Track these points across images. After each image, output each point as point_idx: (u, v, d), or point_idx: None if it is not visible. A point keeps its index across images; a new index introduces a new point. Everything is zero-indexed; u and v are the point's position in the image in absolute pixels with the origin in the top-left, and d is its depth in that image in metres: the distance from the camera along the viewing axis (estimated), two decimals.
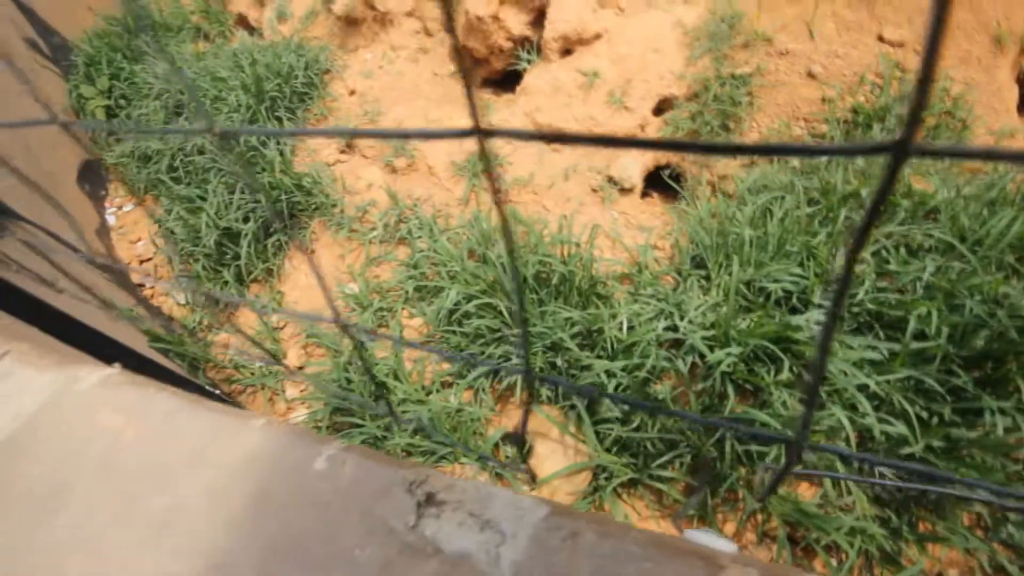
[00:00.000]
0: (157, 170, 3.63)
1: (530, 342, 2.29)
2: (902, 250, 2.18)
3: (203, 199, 3.28)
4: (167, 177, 3.54)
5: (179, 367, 2.75)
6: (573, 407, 2.09)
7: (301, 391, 2.83)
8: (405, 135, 0.29)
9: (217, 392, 2.63)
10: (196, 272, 3.21)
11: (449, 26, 0.24)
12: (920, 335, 1.94)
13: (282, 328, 3.11)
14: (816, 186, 2.38)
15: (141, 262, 3.67)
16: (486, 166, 0.28)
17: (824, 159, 2.50)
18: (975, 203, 2.16)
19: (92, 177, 4.28)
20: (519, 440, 2.09)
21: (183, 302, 3.29)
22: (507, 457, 2.19)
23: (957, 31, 2.80)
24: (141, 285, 3.55)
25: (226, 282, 3.19)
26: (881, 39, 2.76)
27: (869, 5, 2.86)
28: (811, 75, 2.77)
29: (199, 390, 2.01)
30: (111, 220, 4.11)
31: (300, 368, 2.94)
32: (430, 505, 0.34)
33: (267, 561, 0.33)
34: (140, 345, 2.59)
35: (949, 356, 1.91)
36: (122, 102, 4.40)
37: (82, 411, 0.45)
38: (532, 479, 1.76)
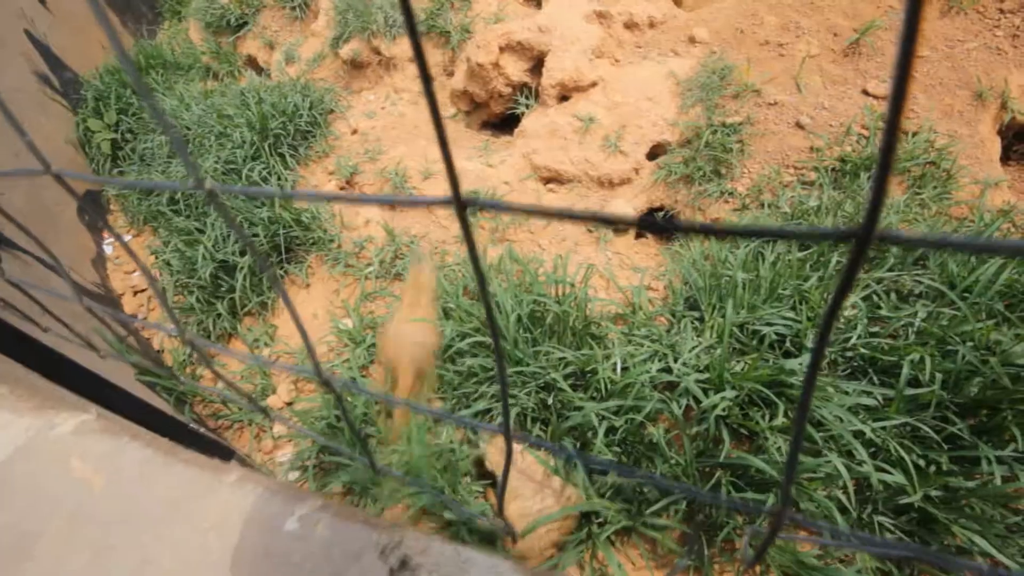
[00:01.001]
0: (158, 202, 3.67)
1: (524, 381, 2.27)
2: (893, 296, 2.20)
3: (201, 231, 3.31)
4: (167, 209, 3.57)
5: (165, 402, 2.70)
6: (563, 449, 2.05)
7: (289, 427, 2.77)
8: (386, 201, 0.30)
9: (202, 430, 2.58)
10: (190, 304, 3.20)
11: (424, 75, 0.25)
12: (914, 381, 1.93)
13: (274, 361, 3.07)
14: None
15: (136, 292, 3.66)
16: (466, 234, 0.28)
17: (814, 204, 2.56)
18: (963, 251, 2.19)
19: (92, 208, 4.31)
20: (500, 500, 2.04)
21: (175, 334, 3.26)
22: (491, 507, 2.13)
23: (940, 87, 2.92)
24: (133, 316, 3.52)
25: (219, 314, 3.18)
26: (866, 92, 2.87)
27: (853, 61, 2.99)
28: (799, 125, 2.86)
29: (183, 427, 1.97)
30: (108, 250, 4.12)
31: (289, 404, 2.89)
32: (404, 570, 0.33)
33: None
34: (127, 377, 2.55)
35: (944, 403, 1.89)
36: (128, 136, 4.49)
37: (55, 459, 0.44)
38: (513, 538, 1.71)
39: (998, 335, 1.97)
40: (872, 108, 2.78)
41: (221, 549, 0.35)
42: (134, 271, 3.93)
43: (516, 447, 2.22)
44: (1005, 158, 3.15)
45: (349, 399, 2.59)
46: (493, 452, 2.21)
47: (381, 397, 0.42)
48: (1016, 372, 1.85)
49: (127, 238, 4.23)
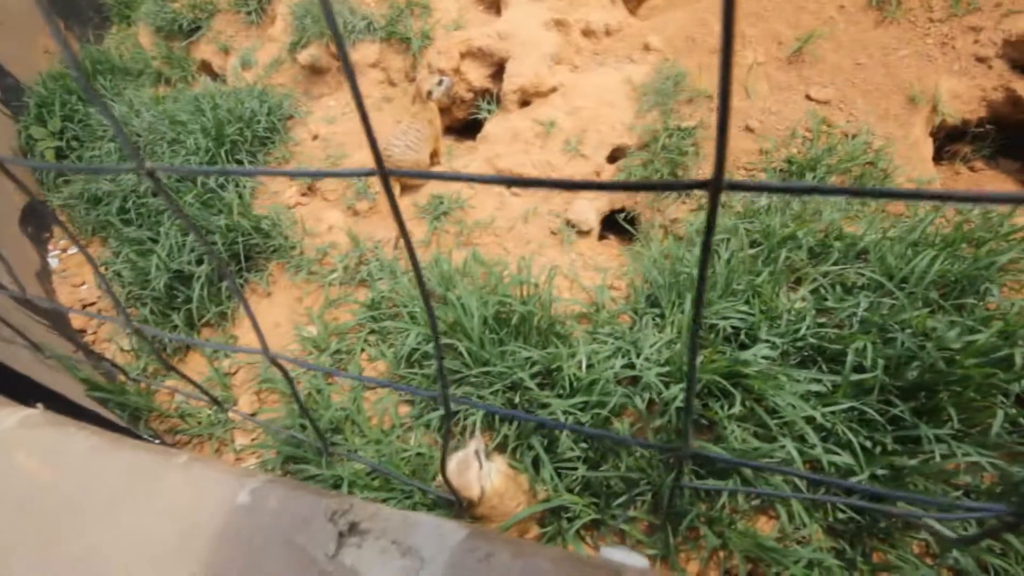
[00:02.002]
0: (107, 212, 3.53)
1: (491, 382, 2.29)
2: (838, 288, 2.32)
3: (155, 241, 3.19)
4: (117, 219, 3.44)
5: (119, 418, 2.59)
6: (531, 448, 2.08)
7: (252, 439, 2.70)
8: (311, 175, 0.31)
9: (157, 442, 2.48)
10: (144, 316, 3.08)
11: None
12: (859, 367, 2.04)
13: (234, 374, 2.99)
14: (758, 229, 2.53)
15: (84, 306, 3.50)
16: (391, 202, 0.30)
17: (764, 204, 2.68)
18: (899, 244, 2.34)
19: (36, 219, 4.11)
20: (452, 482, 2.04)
21: (127, 348, 3.14)
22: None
23: (876, 92, 3.11)
24: (82, 331, 3.37)
25: (175, 326, 3.07)
26: (809, 98, 3.03)
27: (797, 68, 3.15)
28: (749, 129, 2.99)
29: (138, 439, 1.89)
30: (54, 263, 3.93)
31: (252, 415, 2.81)
32: (353, 534, 0.34)
33: None
34: (76, 394, 2.43)
35: (886, 387, 2.01)
36: (74, 143, 4.30)
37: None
38: (460, 505, 1.67)
39: (933, 322, 2.11)
40: (815, 113, 2.94)
41: (171, 531, 0.35)
42: (82, 284, 3.76)
43: (493, 458, 2.23)
44: (937, 158, 3.37)
45: (315, 408, 2.55)
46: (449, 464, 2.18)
47: (327, 370, 0.43)
48: (950, 356, 1.98)
49: (74, 250, 4.04)
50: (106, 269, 3.50)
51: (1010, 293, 2.36)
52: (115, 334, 3.28)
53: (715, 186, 0.24)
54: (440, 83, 3.27)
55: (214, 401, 0.53)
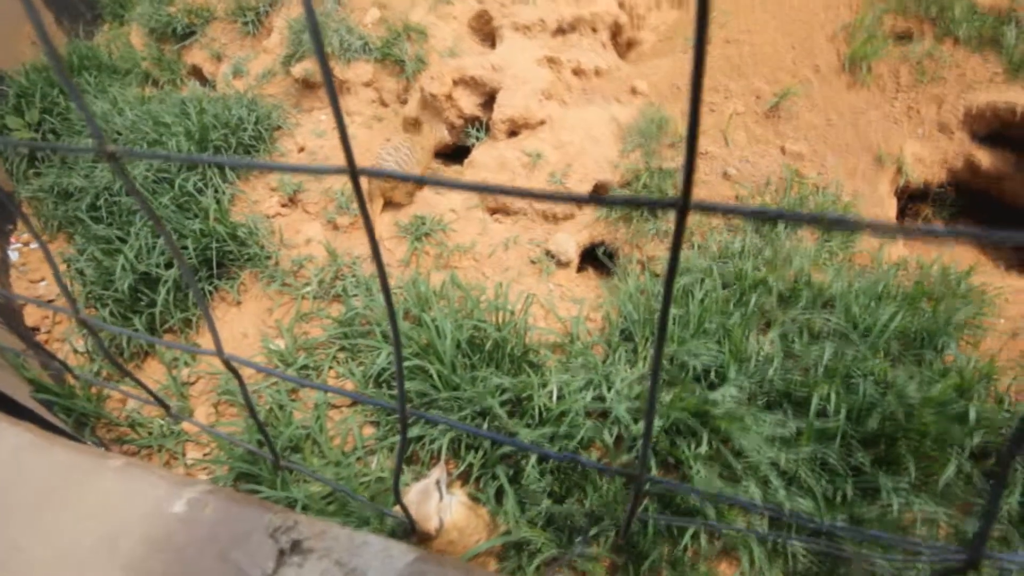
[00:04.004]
0: (76, 207, 3.42)
1: (460, 407, 2.25)
2: (805, 334, 2.38)
3: (123, 241, 3.10)
4: (86, 215, 3.33)
5: (63, 422, 2.45)
6: (495, 478, 2.03)
7: (204, 454, 2.57)
8: (284, 169, 0.31)
9: (102, 450, 2.35)
10: (102, 317, 2.95)
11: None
12: (822, 413, 2.08)
13: (193, 383, 2.87)
14: (731, 271, 2.59)
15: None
16: (360, 203, 0.30)
17: (738, 247, 2.75)
18: (864, 296, 2.42)
19: (1, 210, 3.95)
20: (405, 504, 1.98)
21: (81, 349, 2.99)
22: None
23: (846, 150, 3.28)
24: (36, 328, 3.21)
25: (135, 330, 2.95)
26: (783, 151, 3.17)
27: (773, 122, 3.31)
28: (727, 175, 3.10)
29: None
30: (13, 256, 3.77)
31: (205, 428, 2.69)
32: (295, 553, 0.32)
33: None
34: (22, 395, 2.30)
35: (848, 434, 2.05)
36: (50, 136, 4.19)
37: None
38: (412, 528, 1.60)
39: (894, 373, 2.17)
40: (788, 165, 3.07)
41: (99, 534, 0.33)
42: (41, 280, 3.61)
43: (454, 490, 2.17)
44: (901, 216, 3.54)
45: (276, 425, 2.46)
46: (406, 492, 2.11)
47: (287, 377, 0.42)
48: (909, 407, 2.03)
49: (36, 244, 3.89)
50: (68, 267, 3.37)
51: (966, 348, 2.45)
52: (70, 334, 3.14)
53: (682, 206, 0.24)
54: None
55: (162, 405, 0.51)
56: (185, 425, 2.61)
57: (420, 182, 0.30)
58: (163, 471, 0.39)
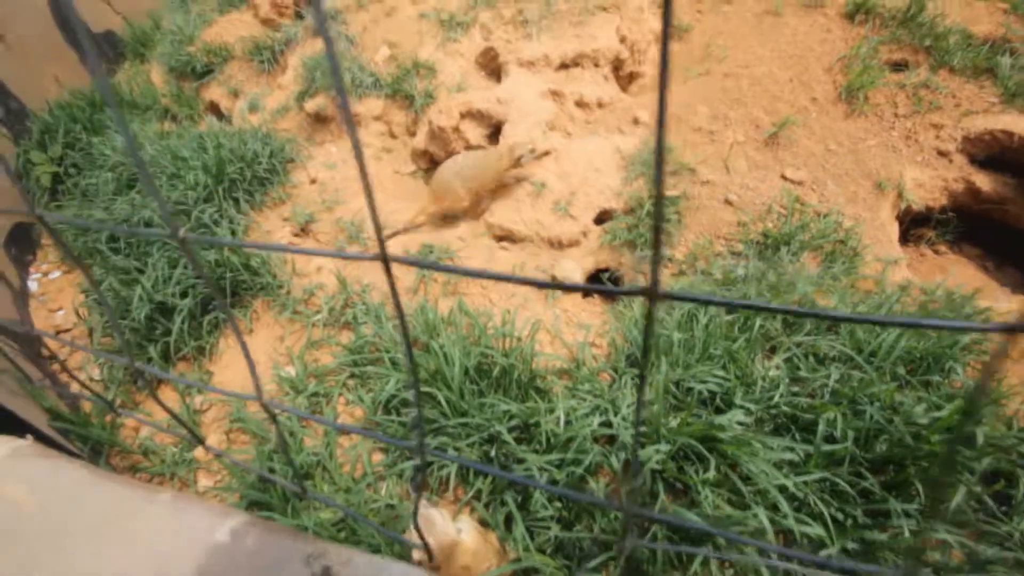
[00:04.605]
0: (96, 239, 3.53)
1: (468, 433, 2.27)
2: (811, 358, 2.39)
3: (141, 271, 3.19)
4: (106, 247, 3.44)
5: (79, 450, 2.49)
6: (504, 503, 2.04)
7: (216, 482, 2.60)
8: (314, 253, 0.36)
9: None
10: (128, 341, 3.03)
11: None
12: (830, 438, 2.08)
13: (205, 411, 2.92)
14: (735, 296, 2.62)
15: (58, 332, 3.43)
16: (392, 290, 0.35)
17: (741, 273, 2.79)
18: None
19: (21, 240, 4.09)
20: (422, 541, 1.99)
21: (97, 377, 3.06)
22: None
23: (846, 177, 3.33)
24: (52, 357, 3.29)
25: (150, 359, 3.02)
26: (784, 177, 3.23)
27: (773, 150, 3.38)
28: (728, 202, 3.16)
29: None
30: (33, 287, 3.88)
31: (220, 456, 2.73)
32: None
33: None
34: (40, 424, 2.35)
35: (857, 459, 2.04)
36: (72, 171, 4.36)
37: None
38: (430, 556, 1.65)
39: (901, 396, 2.17)
40: (789, 191, 3.13)
41: (151, 562, 0.37)
42: (59, 309, 3.70)
43: (461, 519, 2.19)
44: (905, 240, 3.57)
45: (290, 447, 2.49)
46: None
47: (323, 421, 0.46)
48: (917, 431, 2.03)
49: (56, 275, 4.01)
50: (86, 297, 3.47)
51: (974, 373, 2.45)
52: (86, 363, 3.21)
53: (652, 294, 0.29)
54: (532, 151, 3.38)
55: (193, 435, 0.55)
56: (200, 452, 2.65)
57: (438, 269, 0.35)
58: (207, 503, 0.43)
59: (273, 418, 0.46)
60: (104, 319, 3.26)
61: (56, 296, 3.84)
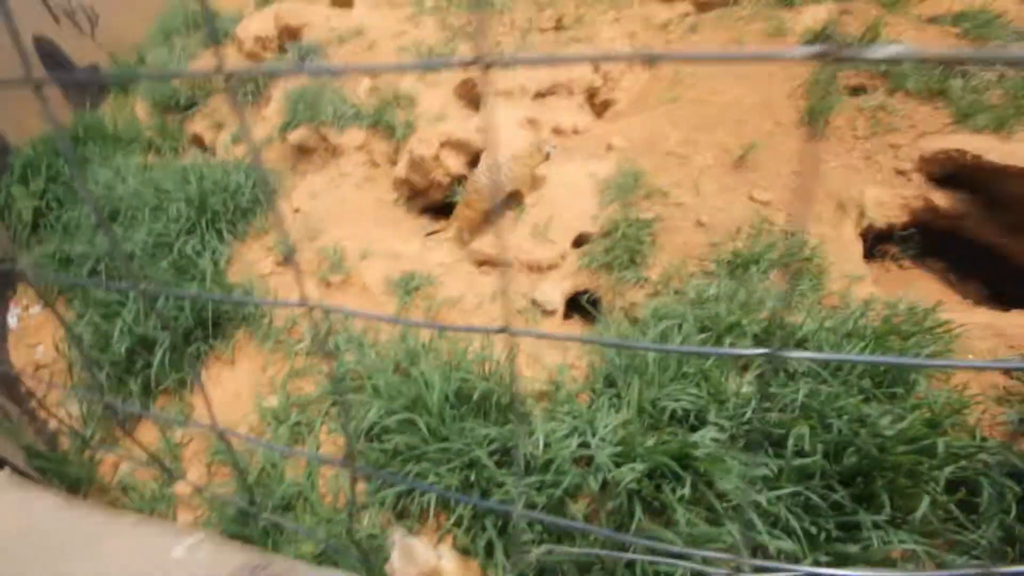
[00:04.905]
0: (77, 273, 3.54)
1: (448, 459, 2.29)
2: (781, 374, 2.46)
3: (122, 304, 3.20)
4: (88, 281, 3.44)
5: (56, 489, 2.46)
6: (484, 529, 2.06)
7: (196, 516, 2.57)
8: (433, 327, 0.42)
9: None
10: (100, 381, 3.01)
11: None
12: (801, 452, 2.13)
13: (186, 444, 2.90)
14: (707, 315, 2.71)
15: (37, 368, 3.41)
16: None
17: (713, 292, 2.88)
18: (834, 335, 2.53)
19: (0, 277, 4.07)
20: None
21: (76, 414, 3.03)
22: None
23: (810, 196, 3.47)
24: (31, 394, 3.26)
25: (131, 392, 3.01)
26: (752, 199, 3.36)
27: (741, 173, 3.52)
28: (700, 223, 3.28)
29: None
30: (12, 323, 3.85)
31: (200, 490, 2.70)
32: None
33: None
34: (18, 460, 2.33)
35: (827, 472, 2.10)
36: (54, 204, 4.37)
37: None
38: None
39: (868, 409, 2.24)
40: (758, 212, 3.25)
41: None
42: (38, 345, 3.68)
43: (443, 548, 2.20)
44: (870, 256, 3.70)
45: (268, 483, 2.48)
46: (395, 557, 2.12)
47: (280, 449, 0.51)
48: (882, 443, 2.10)
49: (36, 310, 3.98)
50: (66, 332, 3.45)
51: (938, 383, 2.53)
52: (65, 400, 3.18)
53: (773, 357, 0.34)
54: (554, 146, 3.72)
55: (167, 472, 0.60)
56: (179, 488, 2.63)
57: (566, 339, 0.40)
58: (168, 524, 0.48)
59: (228, 446, 0.50)
60: (84, 356, 3.25)
61: (36, 332, 3.81)
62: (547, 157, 3.60)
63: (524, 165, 3.54)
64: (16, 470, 1.34)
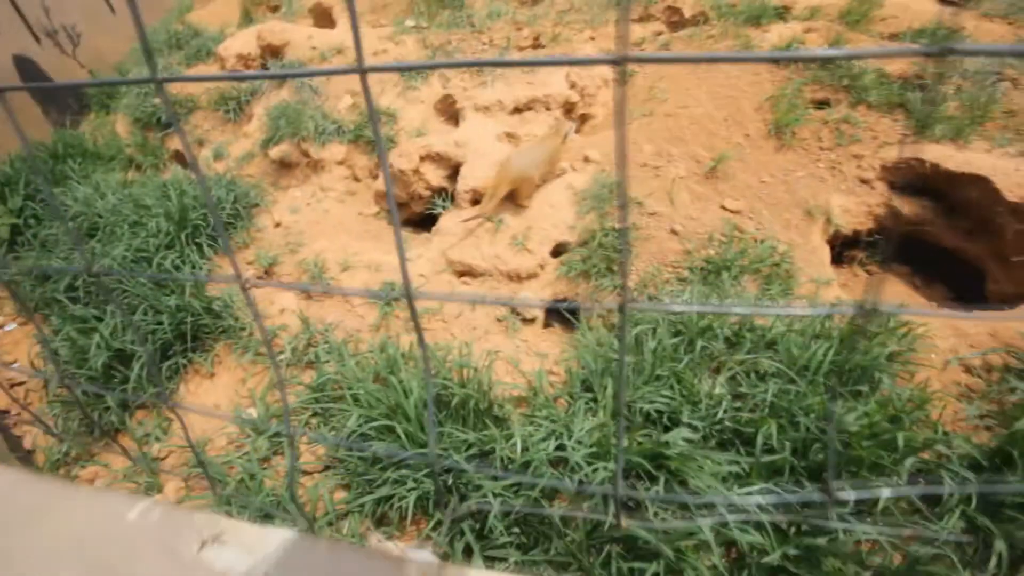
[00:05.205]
0: (54, 289, 3.52)
1: (427, 464, 2.31)
2: (752, 375, 2.54)
3: (99, 319, 3.19)
4: (64, 296, 3.43)
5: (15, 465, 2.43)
6: (462, 533, 2.08)
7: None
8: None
9: None
10: (76, 396, 2.99)
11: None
12: (770, 450, 2.19)
13: (164, 459, 2.88)
14: (679, 319, 2.78)
15: (12, 385, 3.36)
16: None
17: (687, 298, 2.95)
18: (802, 336, 2.61)
19: None
20: None
21: (53, 430, 3.00)
22: None
23: (779, 205, 3.59)
24: (5, 411, 3.21)
25: (107, 407, 2.98)
26: (723, 208, 3.47)
27: (713, 183, 3.63)
28: (674, 232, 3.37)
29: None
30: None
31: (178, 503, 2.68)
32: (215, 542, 0.45)
33: None
34: None
35: (796, 468, 2.16)
36: (32, 221, 4.35)
37: None
38: None
39: (833, 407, 2.32)
40: (729, 220, 3.35)
41: (72, 539, 0.44)
42: (13, 362, 3.63)
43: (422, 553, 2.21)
44: (838, 262, 3.82)
45: (247, 494, 2.48)
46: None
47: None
48: (846, 439, 2.17)
49: (11, 327, 3.94)
50: (41, 348, 3.42)
51: (902, 381, 2.62)
52: (41, 415, 3.14)
53: (622, 307, 0.40)
54: (572, 128, 3.95)
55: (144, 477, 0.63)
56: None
57: None
58: (123, 492, 0.51)
59: (203, 466, 0.54)
60: (61, 369, 3.22)
61: (12, 349, 3.77)
62: (565, 138, 3.81)
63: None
64: None
